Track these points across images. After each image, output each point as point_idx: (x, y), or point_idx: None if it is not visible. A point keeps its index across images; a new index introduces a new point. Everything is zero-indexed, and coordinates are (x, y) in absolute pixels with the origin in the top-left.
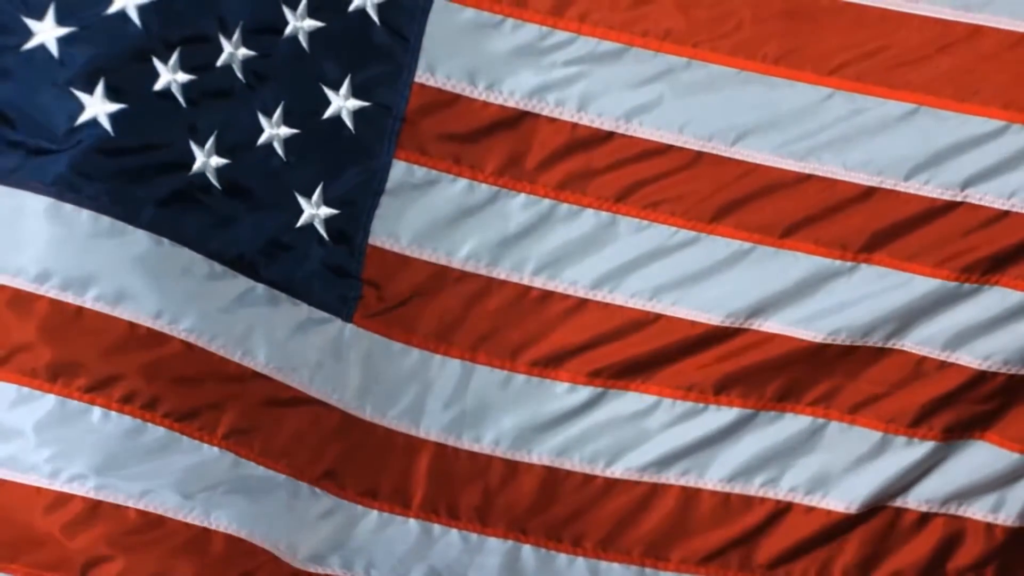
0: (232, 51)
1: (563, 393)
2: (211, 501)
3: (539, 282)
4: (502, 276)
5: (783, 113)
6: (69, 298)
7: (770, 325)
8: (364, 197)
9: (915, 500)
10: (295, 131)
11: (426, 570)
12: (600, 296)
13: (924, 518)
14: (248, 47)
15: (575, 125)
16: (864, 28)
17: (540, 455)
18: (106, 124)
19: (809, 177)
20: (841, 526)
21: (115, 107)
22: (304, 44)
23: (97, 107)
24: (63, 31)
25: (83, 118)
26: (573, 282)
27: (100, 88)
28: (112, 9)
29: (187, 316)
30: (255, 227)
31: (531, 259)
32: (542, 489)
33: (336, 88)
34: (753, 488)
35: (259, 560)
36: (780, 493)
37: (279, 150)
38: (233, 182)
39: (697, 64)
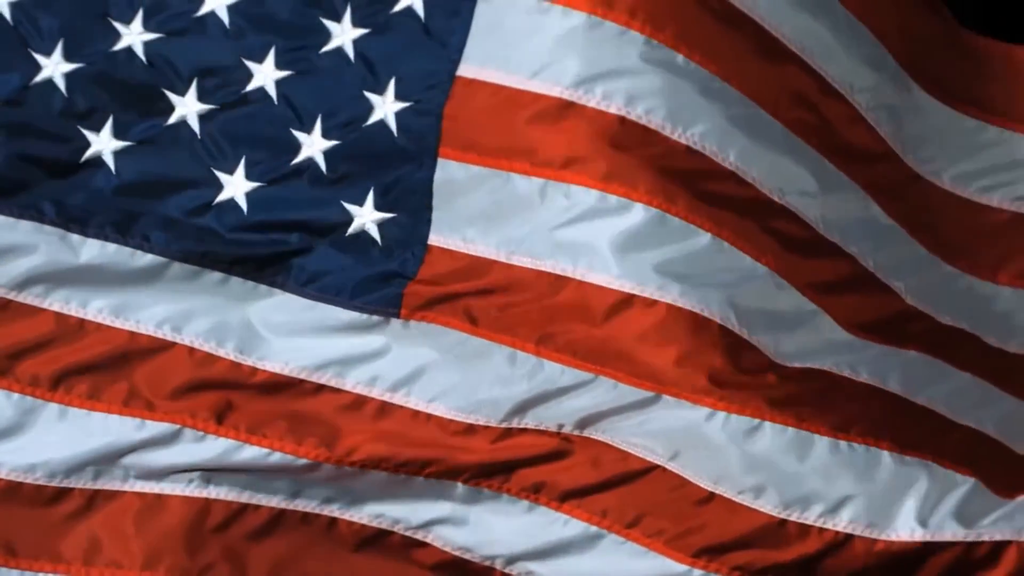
0: (265, 75)
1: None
2: None
3: (607, 283)
4: (556, 271)
5: None
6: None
7: None
8: (417, 197)
9: (988, 533)
10: (336, 143)
11: None
12: (648, 293)
13: (997, 547)
14: (282, 68)
15: (623, 119)
16: None
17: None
18: (111, 163)
19: None
20: (912, 556)
21: (123, 144)
22: (350, 54)
23: (104, 144)
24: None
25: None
26: (633, 278)
27: (108, 127)
28: (118, 46)
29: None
30: (304, 245)
31: (586, 253)
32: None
33: (381, 92)
34: (811, 518)
35: None
36: (840, 524)
37: (320, 164)
38: (270, 203)
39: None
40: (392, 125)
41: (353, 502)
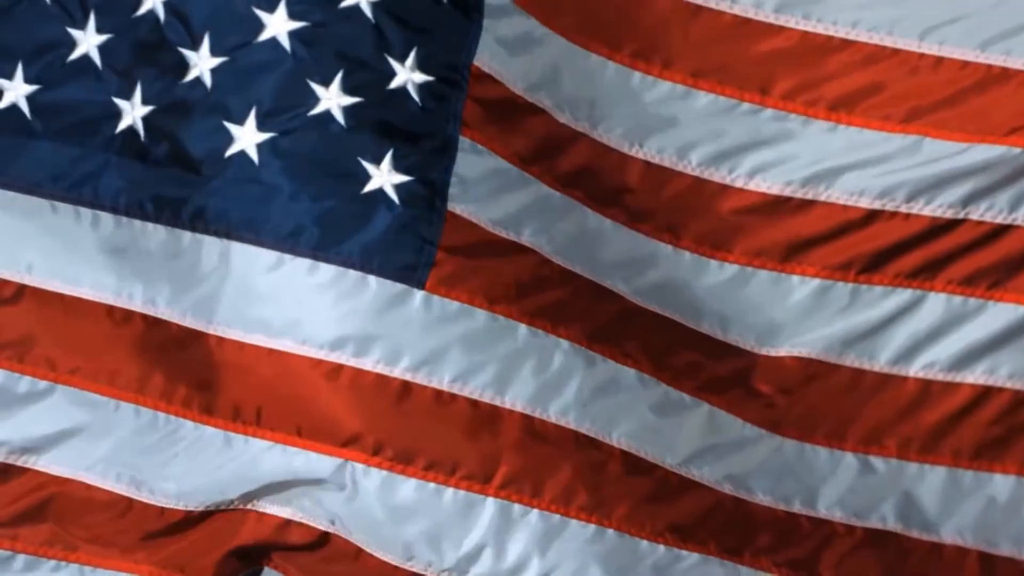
0: (276, 25)
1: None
2: None
3: (588, 276)
4: (557, 261)
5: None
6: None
7: (776, 350)
8: (439, 164)
9: (949, 535)
10: (357, 100)
11: None
12: (638, 302)
13: (961, 553)
14: (296, 19)
15: (592, 139)
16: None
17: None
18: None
19: (812, 203)
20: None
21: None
22: (368, 13)
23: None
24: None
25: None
26: (614, 283)
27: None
28: (141, 10)
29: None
30: (313, 198)
31: (579, 257)
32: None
33: (402, 60)
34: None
35: None
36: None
37: (339, 118)
38: (283, 154)
39: (697, 93)
40: (415, 95)
41: (383, 544)
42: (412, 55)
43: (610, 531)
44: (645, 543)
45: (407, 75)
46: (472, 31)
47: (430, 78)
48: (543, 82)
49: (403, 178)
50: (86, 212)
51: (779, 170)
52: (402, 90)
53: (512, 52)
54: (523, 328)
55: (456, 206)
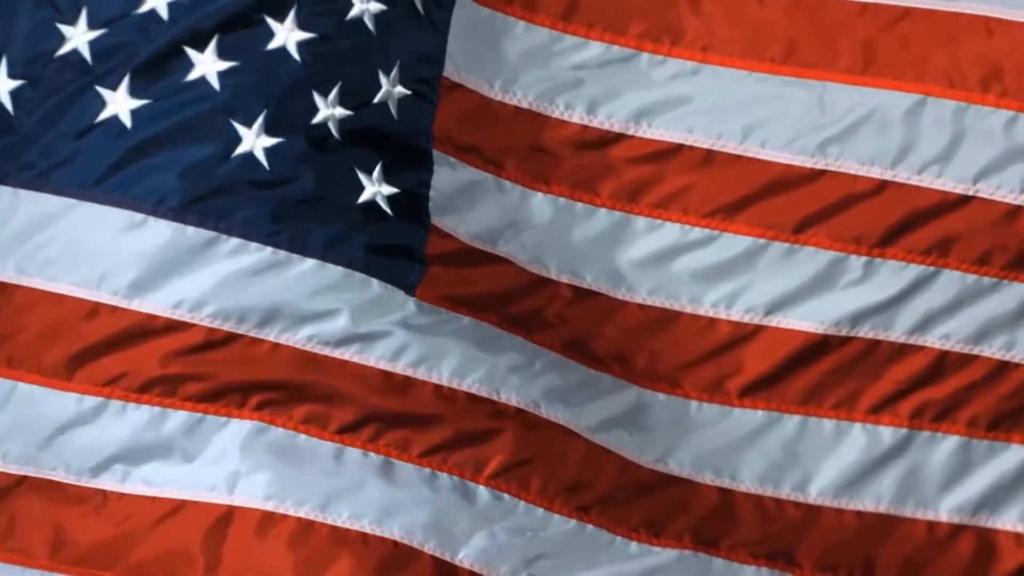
0: (285, 34)
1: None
2: None
3: (565, 279)
4: (532, 270)
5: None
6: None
7: (787, 322)
8: (419, 178)
9: (946, 511)
10: (349, 112)
11: None
12: (620, 295)
13: (956, 530)
14: (305, 30)
15: (584, 127)
16: (880, 27)
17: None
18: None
19: (822, 172)
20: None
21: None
22: (371, 27)
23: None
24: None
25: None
26: (595, 279)
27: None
28: (143, 8)
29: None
30: (314, 205)
31: (556, 257)
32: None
33: (387, 73)
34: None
35: None
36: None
37: (334, 130)
38: (290, 159)
39: (706, 68)
40: (393, 109)
41: (383, 517)
42: (396, 68)
43: (590, 527)
44: (620, 539)
45: (389, 88)
46: (438, 42)
47: (407, 92)
48: (526, 79)
49: (392, 190)
50: (53, 199)
51: (788, 137)
52: (383, 103)
53: (486, 54)
54: (505, 334)
55: (436, 219)
